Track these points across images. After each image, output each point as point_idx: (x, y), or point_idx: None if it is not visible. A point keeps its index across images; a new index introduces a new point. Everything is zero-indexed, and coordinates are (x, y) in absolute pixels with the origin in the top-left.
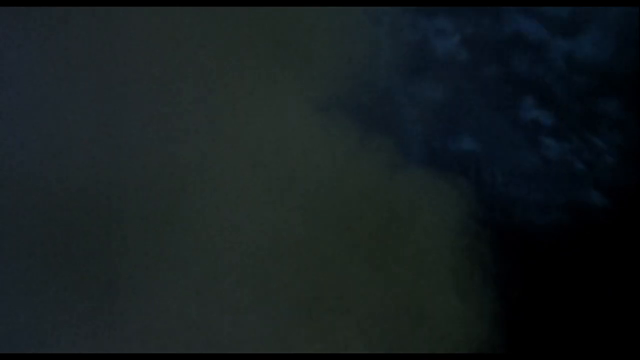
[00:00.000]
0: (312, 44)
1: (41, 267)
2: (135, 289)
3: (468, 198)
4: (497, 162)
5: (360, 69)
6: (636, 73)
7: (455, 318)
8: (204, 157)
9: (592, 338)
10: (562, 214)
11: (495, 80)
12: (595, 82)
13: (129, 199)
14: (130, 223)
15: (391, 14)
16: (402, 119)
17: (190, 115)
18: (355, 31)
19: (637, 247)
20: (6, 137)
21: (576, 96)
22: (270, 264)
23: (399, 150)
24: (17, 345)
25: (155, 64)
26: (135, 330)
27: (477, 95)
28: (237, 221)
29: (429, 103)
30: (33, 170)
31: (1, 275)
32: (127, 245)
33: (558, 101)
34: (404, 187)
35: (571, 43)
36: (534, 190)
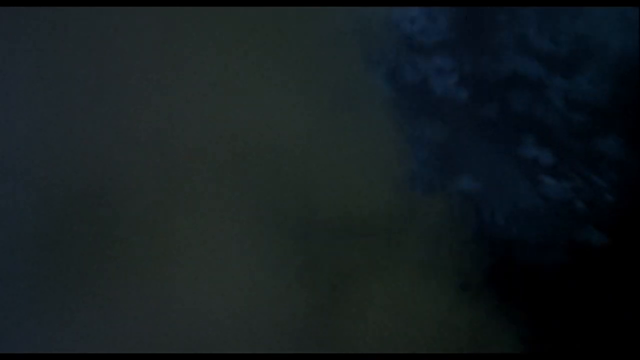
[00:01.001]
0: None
1: (39, 266)
2: (134, 286)
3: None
4: (497, 202)
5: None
6: (635, 111)
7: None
8: (203, 156)
9: None
10: (562, 253)
11: (495, 119)
12: (595, 120)
13: (127, 195)
14: (128, 220)
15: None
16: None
17: (189, 112)
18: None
19: (637, 286)
20: (4, 136)
21: (576, 135)
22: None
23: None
24: (16, 344)
25: (153, 63)
26: (134, 329)
27: (477, 134)
28: (235, 219)
29: (428, 142)
30: (31, 169)
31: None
32: (126, 242)
33: (558, 140)
34: None
35: (570, 82)
36: (534, 230)
